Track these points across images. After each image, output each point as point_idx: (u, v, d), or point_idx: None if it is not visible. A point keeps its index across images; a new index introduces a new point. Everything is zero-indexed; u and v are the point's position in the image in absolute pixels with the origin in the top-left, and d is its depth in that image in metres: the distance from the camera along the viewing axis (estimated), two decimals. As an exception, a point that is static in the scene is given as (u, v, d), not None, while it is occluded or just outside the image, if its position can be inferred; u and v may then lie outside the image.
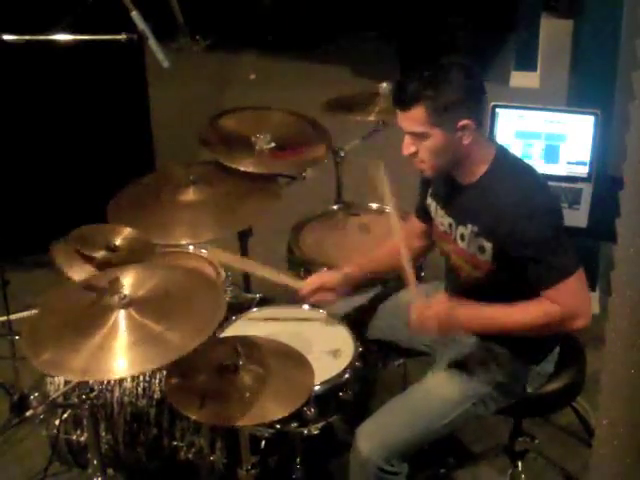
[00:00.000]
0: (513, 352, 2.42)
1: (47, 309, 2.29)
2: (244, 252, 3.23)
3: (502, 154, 2.35)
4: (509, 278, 2.30)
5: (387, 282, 2.81)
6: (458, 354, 2.46)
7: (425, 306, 2.33)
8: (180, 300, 2.23)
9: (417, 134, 2.26)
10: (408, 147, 2.30)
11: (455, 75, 2.23)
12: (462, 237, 2.36)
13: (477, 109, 2.27)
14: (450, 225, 2.41)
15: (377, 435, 2.37)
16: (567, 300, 2.24)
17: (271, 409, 2.18)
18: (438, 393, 2.43)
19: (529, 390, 2.47)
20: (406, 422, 2.40)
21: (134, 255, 2.54)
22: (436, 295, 2.40)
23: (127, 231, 2.63)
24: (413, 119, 2.24)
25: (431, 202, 2.51)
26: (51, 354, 2.07)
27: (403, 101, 2.25)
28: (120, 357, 2.04)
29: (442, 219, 2.45)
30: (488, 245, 2.29)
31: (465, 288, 2.42)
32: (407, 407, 2.44)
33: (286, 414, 2.19)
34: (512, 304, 2.29)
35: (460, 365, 2.45)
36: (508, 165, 2.34)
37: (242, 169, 2.95)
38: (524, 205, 2.23)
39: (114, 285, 2.16)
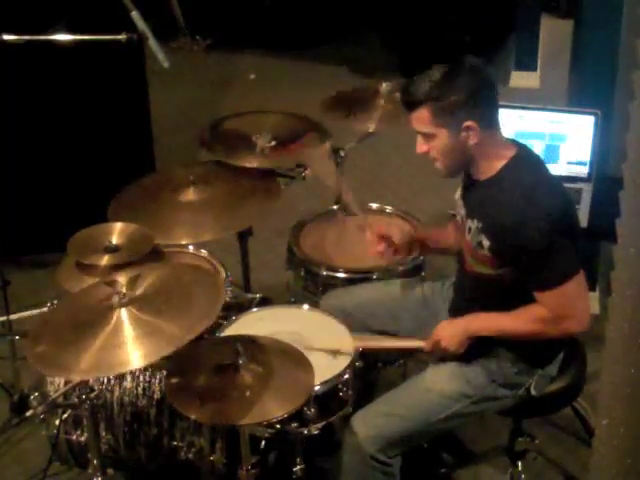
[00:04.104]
0: (518, 355, 2.42)
1: (47, 319, 2.32)
2: (244, 252, 3.24)
3: (521, 157, 2.34)
4: (512, 275, 2.31)
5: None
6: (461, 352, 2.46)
7: (436, 339, 2.41)
8: (178, 293, 2.24)
9: (425, 134, 2.31)
10: (420, 146, 2.35)
11: (460, 77, 2.24)
12: (469, 230, 2.38)
13: (482, 110, 2.27)
14: (463, 216, 2.44)
15: (373, 424, 2.39)
16: (556, 304, 2.27)
17: (271, 408, 2.18)
18: (438, 387, 2.44)
19: (533, 393, 2.47)
20: (404, 414, 2.41)
21: (136, 250, 2.54)
22: (437, 326, 2.44)
23: (123, 227, 2.62)
24: (419, 119, 2.29)
25: (459, 190, 2.53)
26: (52, 356, 2.09)
27: (409, 102, 2.30)
28: (125, 352, 2.06)
29: (460, 209, 2.48)
30: (486, 243, 2.31)
31: (471, 284, 2.45)
32: (406, 399, 2.46)
33: (286, 413, 2.19)
34: (508, 312, 2.33)
35: (462, 363, 2.45)
36: (523, 168, 2.32)
37: (244, 165, 2.95)
38: (524, 212, 2.22)
39: (112, 286, 2.17)
